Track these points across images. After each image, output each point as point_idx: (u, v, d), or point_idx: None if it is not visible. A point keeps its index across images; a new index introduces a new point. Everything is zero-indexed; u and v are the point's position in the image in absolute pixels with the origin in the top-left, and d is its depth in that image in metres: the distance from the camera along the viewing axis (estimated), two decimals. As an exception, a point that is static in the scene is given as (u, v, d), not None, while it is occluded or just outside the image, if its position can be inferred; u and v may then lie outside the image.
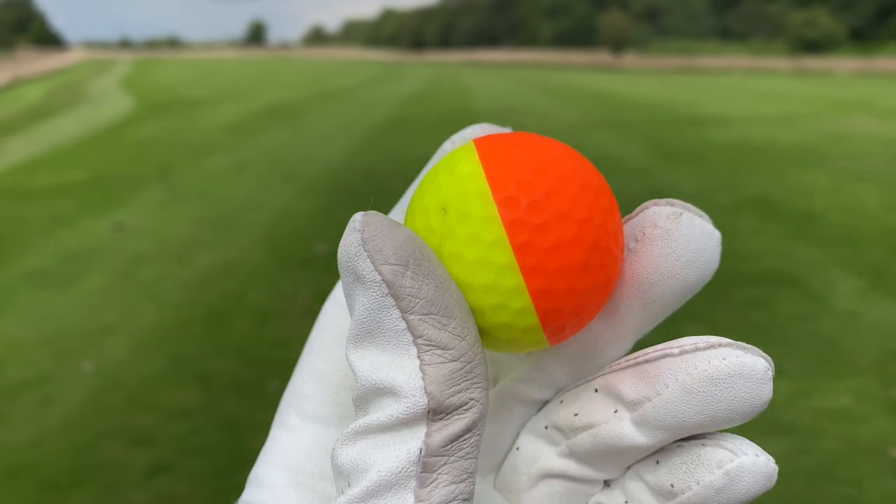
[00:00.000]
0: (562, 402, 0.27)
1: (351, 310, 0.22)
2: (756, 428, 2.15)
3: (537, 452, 0.27)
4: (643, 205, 0.26)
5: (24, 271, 3.59)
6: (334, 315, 0.29)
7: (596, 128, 8.96)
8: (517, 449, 0.28)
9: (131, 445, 2.12)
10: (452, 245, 0.23)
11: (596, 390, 0.26)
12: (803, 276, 3.39)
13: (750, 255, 3.69)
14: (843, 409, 2.25)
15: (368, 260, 0.21)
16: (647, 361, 0.24)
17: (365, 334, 0.22)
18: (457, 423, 0.21)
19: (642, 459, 0.25)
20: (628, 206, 0.27)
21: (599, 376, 0.26)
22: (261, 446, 0.28)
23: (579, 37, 66.03)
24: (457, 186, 0.23)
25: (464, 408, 0.21)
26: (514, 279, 0.23)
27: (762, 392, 0.22)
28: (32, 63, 29.21)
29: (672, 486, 0.24)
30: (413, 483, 0.21)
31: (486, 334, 0.24)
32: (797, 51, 45.87)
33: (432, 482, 0.21)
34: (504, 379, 0.28)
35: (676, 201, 0.25)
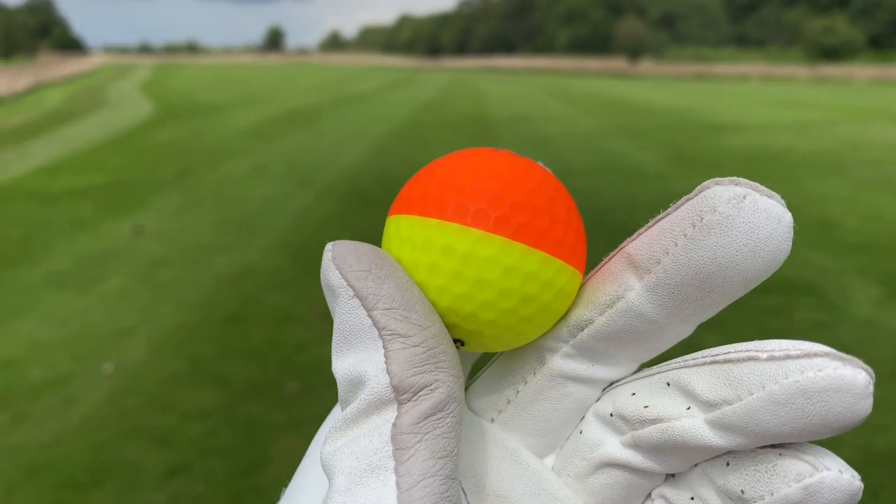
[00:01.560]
0: (634, 394, 0.26)
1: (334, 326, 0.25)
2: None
3: (600, 439, 0.27)
4: (704, 184, 0.23)
5: (46, 273, 3.63)
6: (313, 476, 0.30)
7: (612, 134, 8.95)
8: (580, 433, 0.28)
9: (150, 445, 2.14)
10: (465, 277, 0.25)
11: (668, 384, 0.25)
12: (820, 284, 3.38)
13: (766, 262, 3.67)
14: (859, 417, 2.24)
15: (337, 271, 0.24)
16: (727, 361, 0.23)
17: (342, 341, 0.24)
18: (424, 402, 0.22)
19: (712, 458, 0.24)
20: (644, 213, 0.26)
21: (672, 369, 0.25)
22: (277, 448, 0.29)
23: (595, 43, 65.87)
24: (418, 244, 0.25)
25: (429, 387, 0.22)
26: (517, 249, 0.24)
27: (861, 407, 0.21)
28: (54, 68, 29.53)
29: (742, 492, 0.23)
30: (391, 463, 0.21)
31: (534, 310, 0.25)
32: (815, 58, 45.53)
33: (409, 458, 0.21)
34: (551, 359, 0.28)
35: (742, 180, 0.23)
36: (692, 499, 0.25)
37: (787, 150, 7.50)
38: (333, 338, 0.24)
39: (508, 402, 0.28)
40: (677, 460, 0.25)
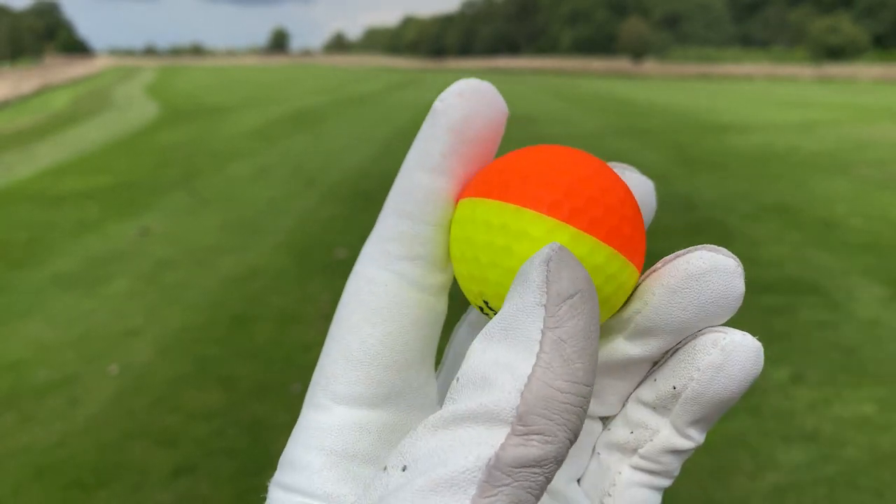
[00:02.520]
0: None
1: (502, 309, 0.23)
2: (778, 435, 2.14)
3: None
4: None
5: (52, 274, 3.65)
6: (359, 290, 0.29)
7: (616, 134, 8.94)
8: None
9: (156, 446, 2.15)
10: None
11: None
12: (824, 284, 3.37)
13: (771, 262, 3.67)
14: (865, 417, 2.23)
15: (544, 275, 0.22)
16: (637, 285, 0.26)
17: (501, 331, 0.22)
18: (533, 449, 0.21)
19: (639, 385, 0.27)
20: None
21: None
22: (283, 448, 0.28)
23: (599, 44, 65.81)
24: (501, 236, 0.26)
25: (544, 436, 0.21)
26: (622, 263, 0.25)
27: (735, 285, 0.25)
28: (59, 70, 29.66)
29: (674, 387, 0.26)
30: (473, 491, 0.20)
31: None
32: (819, 58, 45.44)
33: (490, 496, 0.20)
34: None
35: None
36: (632, 432, 0.27)
37: (791, 150, 7.49)
38: (494, 322, 0.23)
39: None
40: (608, 393, 0.28)
